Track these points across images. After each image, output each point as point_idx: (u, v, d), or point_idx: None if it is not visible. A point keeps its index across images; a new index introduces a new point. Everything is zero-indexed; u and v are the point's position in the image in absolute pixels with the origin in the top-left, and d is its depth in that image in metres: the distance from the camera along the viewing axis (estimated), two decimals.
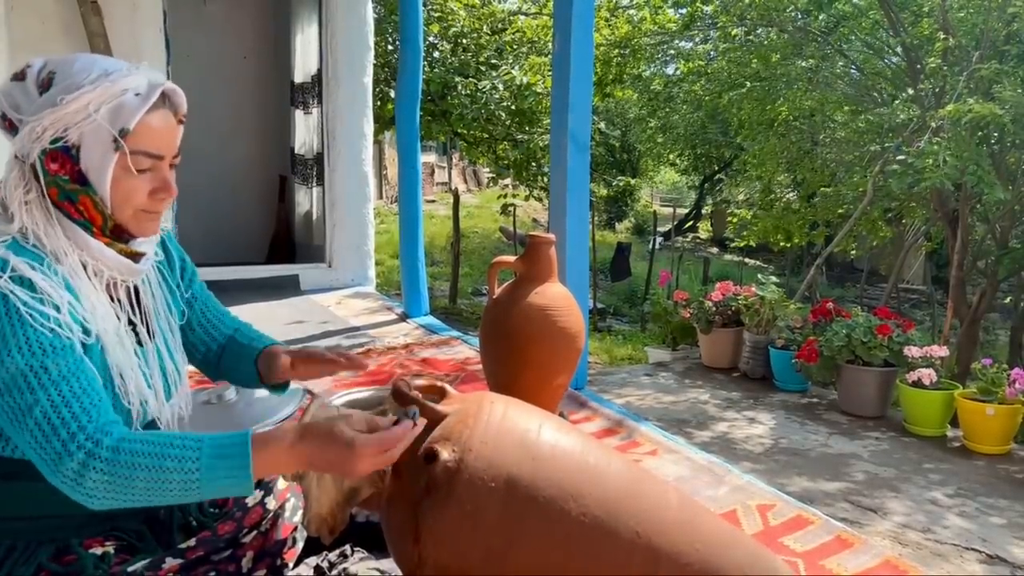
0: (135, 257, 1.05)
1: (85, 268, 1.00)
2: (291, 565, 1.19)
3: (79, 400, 0.89)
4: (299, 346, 1.31)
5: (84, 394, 0.90)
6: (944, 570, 1.86)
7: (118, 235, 1.03)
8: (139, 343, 1.07)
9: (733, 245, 11.03)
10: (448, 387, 1.12)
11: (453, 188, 12.56)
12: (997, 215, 5.74)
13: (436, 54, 7.94)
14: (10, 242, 0.94)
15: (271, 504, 1.17)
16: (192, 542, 1.08)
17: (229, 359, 1.28)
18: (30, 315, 0.89)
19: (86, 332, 0.96)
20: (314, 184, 5.14)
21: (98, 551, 1.01)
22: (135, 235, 1.05)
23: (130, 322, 1.07)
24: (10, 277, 0.90)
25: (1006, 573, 1.88)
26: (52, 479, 0.88)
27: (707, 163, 16.98)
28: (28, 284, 0.91)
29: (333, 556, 1.42)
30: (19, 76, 0.99)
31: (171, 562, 1.03)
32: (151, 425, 1.10)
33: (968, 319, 5.76)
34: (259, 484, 1.24)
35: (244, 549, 1.11)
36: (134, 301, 1.08)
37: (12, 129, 0.98)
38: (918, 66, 6.24)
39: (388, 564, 1.40)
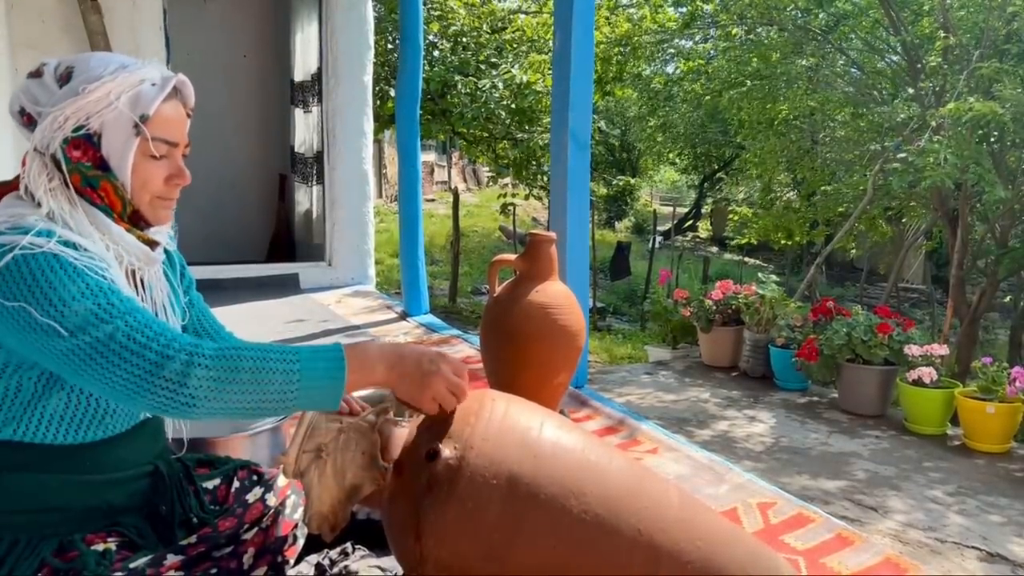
0: (151, 245, 1.09)
1: (108, 252, 1.03)
2: (292, 562, 1.19)
3: (156, 324, 0.93)
4: None
5: (156, 323, 0.93)
6: (944, 568, 1.86)
7: (135, 222, 1.07)
8: None
9: (733, 244, 11.04)
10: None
11: (453, 187, 12.56)
12: (997, 214, 5.74)
13: (436, 53, 7.93)
14: (45, 221, 0.98)
15: (272, 501, 1.17)
16: (193, 539, 1.08)
17: None
18: (86, 268, 0.93)
19: None
20: (314, 183, 5.13)
21: (100, 547, 1.01)
22: (151, 223, 1.09)
23: None
24: (57, 241, 0.94)
25: (1006, 570, 1.88)
26: (143, 397, 0.89)
27: (707, 162, 16.98)
28: (74, 246, 0.95)
29: (334, 554, 1.42)
30: (36, 74, 1.02)
31: (172, 558, 1.03)
32: (156, 416, 1.11)
33: (968, 318, 5.76)
34: (259, 481, 1.24)
35: (245, 546, 1.11)
36: (145, 293, 1.10)
37: (31, 124, 1.01)
38: (918, 65, 6.24)
39: (389, 562, 1.40)
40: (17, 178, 1.04)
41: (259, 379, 0.91)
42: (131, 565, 1.00)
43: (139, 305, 0.96)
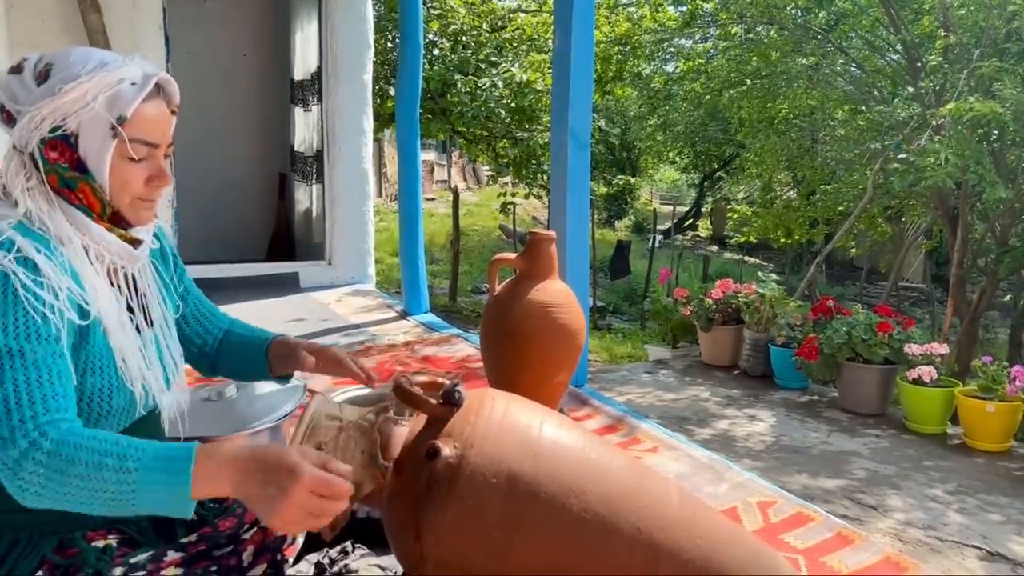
0: (134, 243, 1.08)
1: (87, 252, 1.01)
2: (291, 561, 1.19)
3: (42, 390, 0.89)
4: (308, 342, 1.32)
5: (50, 385, 0.90)
6: (944, 567, 1.86)
7: (116, 222, 1.05)
8: (137, 330, 1.08)
9: (733, 242, 11.03)
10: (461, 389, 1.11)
11: (453, 186, 12.55)
12: (997, 213, 5.73)
13: (436, 51, 7.92)
14: (16, 224, 0.95)
15: None
16: (193, 537, 1.08)
17: (230, 352, 1.29)
18: (26, 298, 0.90)
19: (84, 315, 0.97)
20: (314, 182, 5.13)
21: (100, 544, 1.02)
22: (132, 223, 1.07)
23: (129, 308, 1.08)
24: (14, 257, 0.91)
25: (1006, 569, 1.88)
26: None
27: (707, 161, 16.96)
28: (32, 266, 0.92)
29: (334, 553, 1.42)
30: (16, 69, 1.00)
31: (172, 555, 1.03)
32: (153, 414, 1.10)
33: (968, 317, 5.76)
34: None
35: (244, 544, 1.11)
36: (132, 289, 1.10)
37: (10, 121, 1.00)
38: (919, 64, 6.24)
39: (389, 560, 1.40)
40: None
41: (93, 476, 0.83)
42: (131, 560, 1.00)
43: (51, 360, 0.91)
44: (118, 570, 0.99)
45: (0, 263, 0.90)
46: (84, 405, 0.99)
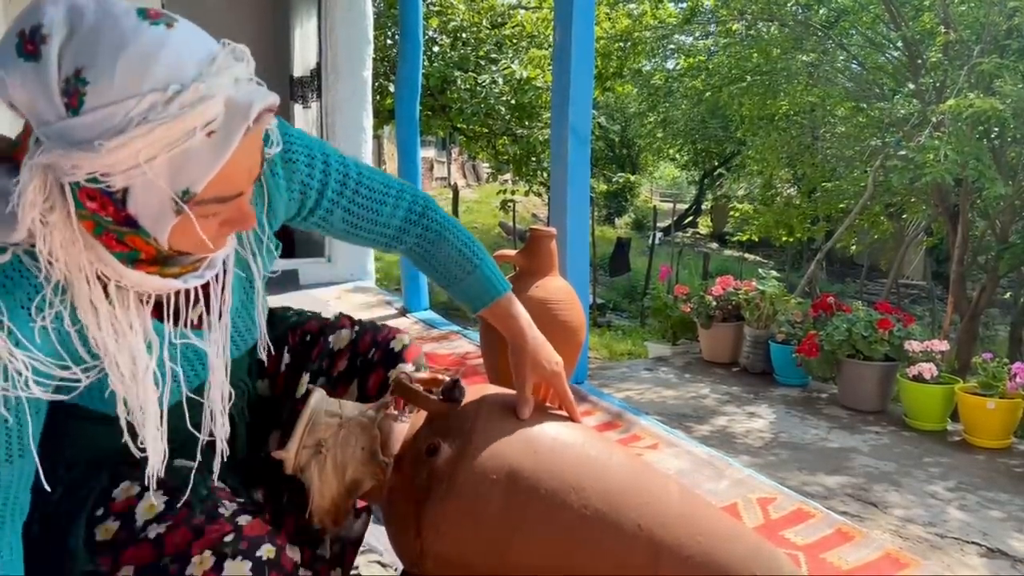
0: (186, 272, 0.87)
1: (105, 288, 0.80)
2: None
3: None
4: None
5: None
6: (944, 563, 1.86)
7: (171, 259, 0.84)
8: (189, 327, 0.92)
9: (733, 240, 11.02)
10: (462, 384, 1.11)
11: (452, 183, 12.54)
12: (997, 210, 5.73)
13: (436, 48, 7.92)
14: (6, 263, 0.75)
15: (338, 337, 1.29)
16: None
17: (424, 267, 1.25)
18: None
19: (63, 390, 0.81)
20: None
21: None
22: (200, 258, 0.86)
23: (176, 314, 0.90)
24: None
25: (1006, 566, 1.88)
26: None
27: (707, 158, 16.95)
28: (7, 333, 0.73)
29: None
30: (30, 50, 0.68)
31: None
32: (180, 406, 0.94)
33: (968, 314, 5.76)
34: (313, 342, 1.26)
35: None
36: (186, 302, 0.90)
37: (26, 119, 0.73)
38: (919, 60, 6.23)
39: (389, 557, 1.40)
40: (14, 144, 0.77)
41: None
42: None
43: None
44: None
45: None
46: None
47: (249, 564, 0.89)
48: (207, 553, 0.90)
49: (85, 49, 0.67)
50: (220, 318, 0.93)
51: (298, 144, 1.05)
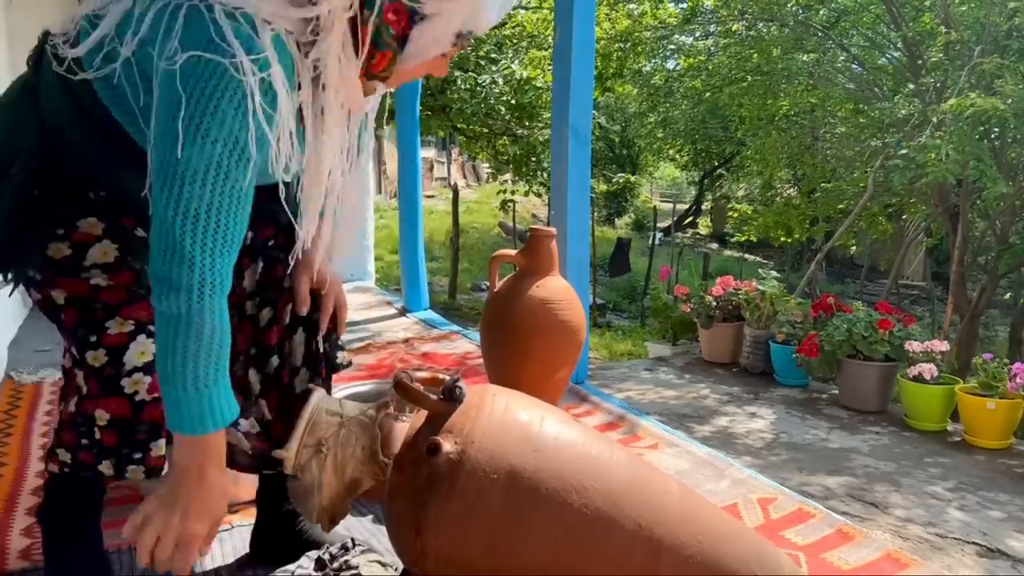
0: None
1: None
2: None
3: (225, 232, 0.88)
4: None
5: (234, 225, 0.89)
6: (944, 563, 1.86)
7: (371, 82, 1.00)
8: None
9: (733, 240, 11.02)
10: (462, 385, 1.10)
11: (452, 183, 12.55)
12: (998, 210, 5.73)
13: None
14: (276, 38, 0.86)
15: None
16: None
17: None
18: (252, 108, 0.85)
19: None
20: None
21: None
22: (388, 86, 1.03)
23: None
24: (261, 78, 0.84)
25: (1006, 566, 1.88)
26: (155, 259, 0.88)
27: (707, 158, 16.96)
28: (270, 98, 0.86)
29: (334, 548, 1.41)
30: None
31: None
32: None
33: (968, 314, 5.76)
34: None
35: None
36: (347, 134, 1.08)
37: None
38: (919, 61, 6.23)
39: (390, 557, 1.40)
40: None
41: (187, 350, 0.89)
42: None
43: (244, 193, 0.88)
44: None
45: (245, 79, 0.83)
46: None
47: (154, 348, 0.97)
48: (130, 321, 1.05)
49: None
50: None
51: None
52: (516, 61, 7.73)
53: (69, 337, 1.08)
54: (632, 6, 8.86)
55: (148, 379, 1.07)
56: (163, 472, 1.09)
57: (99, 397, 1.06)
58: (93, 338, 1.05)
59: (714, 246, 16.52)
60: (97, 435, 1.07)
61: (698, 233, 19.01)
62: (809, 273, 6.97)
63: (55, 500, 1.17)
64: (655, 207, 15.95)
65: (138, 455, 1.08)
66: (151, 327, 1.05)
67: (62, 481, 1.13)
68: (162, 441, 1.10)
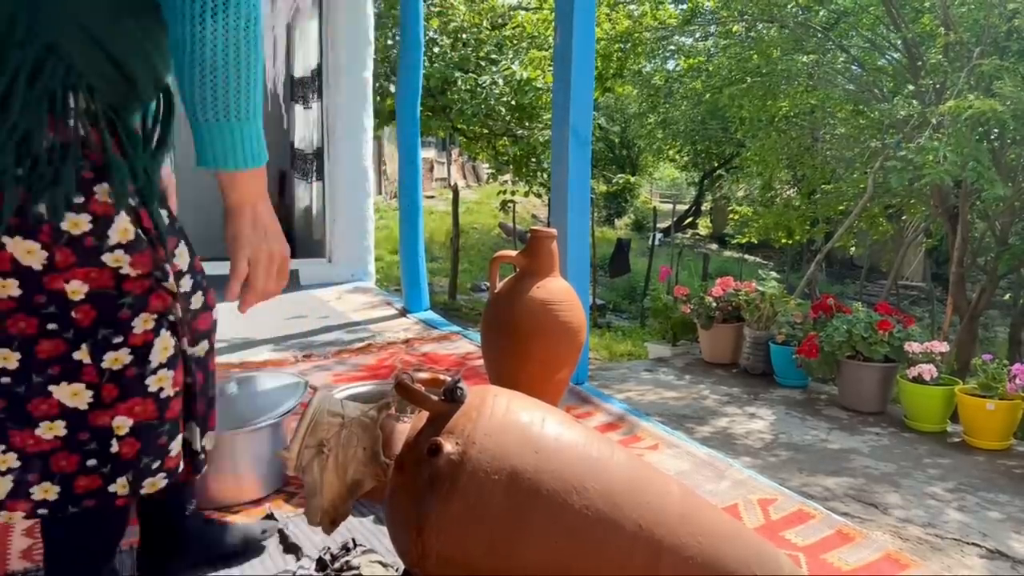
0: None
1: None
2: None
3: None
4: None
5: None
6: (944, 564, 1.86)
7: None
8: None
9: (733, 242, 11.02)
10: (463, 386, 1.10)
11: (452, 184, 12.55)
12: (997, 212, 5.73)
13: (436, 49, 7.92)
14: None
15: None
16: None
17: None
18: None
19: None
20: (314, 179, 5.13)
21: None
22: None
23: None
24: None
25: (1006, 567, 1.88)
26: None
27: (707, 159, 16.95)
28: None
29: (335, 548, 1.42)
30: None
31: None
32: None
33: (968, 315, 5.76)
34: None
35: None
36: None
37: None
38: (919, 62, 6.23)
39: (391, 557, 1.41)
40: None
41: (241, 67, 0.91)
42: None
43: None
44: None
45: None
46: None
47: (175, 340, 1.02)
48: (152, 316, 1.01)
49: None
50: None
51: None
52: (516, 62, 7.74)
53: (74, 339, 0.93)
54: (632, 7, 8.87)
55: (171, 373, 1.01)
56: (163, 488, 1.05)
57: (118, 402, 0.96)
58: (119, 339, 0.95)
59: (714, 247, 16.53)
60: (115, 448, 0.96)
61: (698, 234, 19.01)
62: (809, 274, 6.97)
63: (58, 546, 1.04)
64: (655, 208, 15.95)
65: (156, 463, 1.01)
66: (170, 318, 1.03)
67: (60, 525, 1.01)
68: (178, 440, 1.05)
